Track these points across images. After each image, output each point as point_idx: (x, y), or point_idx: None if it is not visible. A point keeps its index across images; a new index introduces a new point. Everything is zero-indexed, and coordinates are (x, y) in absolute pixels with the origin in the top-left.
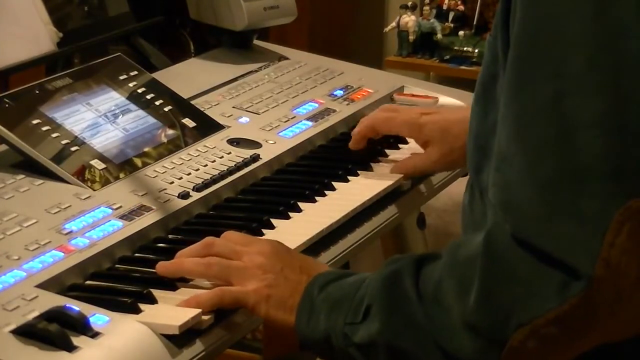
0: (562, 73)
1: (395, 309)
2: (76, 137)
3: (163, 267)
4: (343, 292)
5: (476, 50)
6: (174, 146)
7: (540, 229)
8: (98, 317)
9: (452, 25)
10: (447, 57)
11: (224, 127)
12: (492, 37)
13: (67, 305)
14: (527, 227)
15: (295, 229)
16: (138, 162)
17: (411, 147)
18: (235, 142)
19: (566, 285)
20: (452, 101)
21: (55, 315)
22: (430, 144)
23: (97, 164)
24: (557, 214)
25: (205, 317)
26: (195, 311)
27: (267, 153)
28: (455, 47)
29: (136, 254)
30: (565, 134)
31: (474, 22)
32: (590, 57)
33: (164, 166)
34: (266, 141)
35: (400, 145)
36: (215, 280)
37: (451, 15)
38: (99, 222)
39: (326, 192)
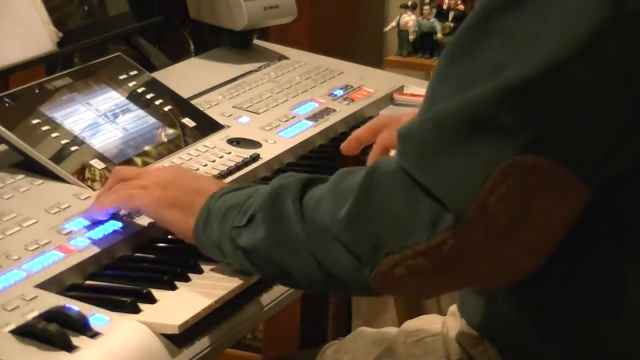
0: (474, 27)
1: (275, 221)
2: (76, 136)
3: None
4: (236, 200)
5: None
6: (174, 146)
7: (426, 163)
8: (98, 317)
9: (452, 24)
10: None
11: (224, 127)
12: None
13: (67, 305)
14: (414, 160)
15: None
16: (138, 161)
17: None
18: (235, 141)
19: (437, 221)
20: None
21: (55, 315)
22: None
23: (97, 164)
24: (447, 152)
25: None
26: (195, 310)
27: (267, 153)
28: None
29: (136, 254)
30: (469, 80)
31: None
32: (483, 14)
33: (164, 166)
34: (266, 141)
35: None
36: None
37: (451, 14)
38: (99, 222)
39: None
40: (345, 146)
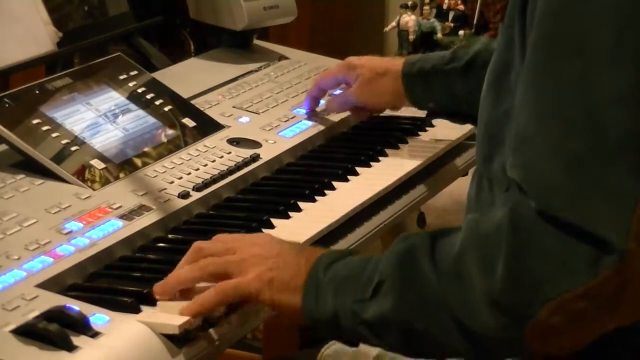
0: (588, 50)
1: (409, 285)
2: (76, 136)
3: (160, 287)
4: (349, 269)
5: None
6: (174, 146)
7: (569, 204)
8: (98, 317)
9: (452, 24)
10: None
11: (224, 127)
12: (506, 26)
13: (67, 305)
14: (556, 203)
15: (295, 228)
16: (138, 161)
17: (412, 144)
18: (235, 141)
19: (598, 260)
20: None
21: (55, 315)
22: (359, 79)
23: (97, 164)
24: (586, 189)
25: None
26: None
27: (267, 153)
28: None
29: (136, 254)
30: (592, 111)
31: (474, 22)
32: (616, 33)
33: (164, 166)
34: (266, 141)
35: (400, 145)
36: (214, 280)
37: (451, 14)
38: (99, 222)
39: (326, 191)
40: (307, 107)
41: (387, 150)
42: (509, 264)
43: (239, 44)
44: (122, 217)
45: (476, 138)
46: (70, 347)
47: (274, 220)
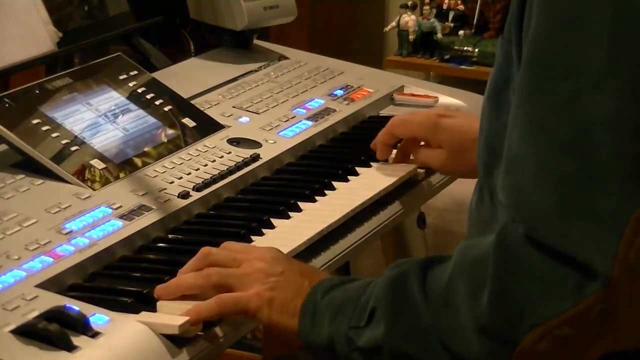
0: (579, 72)
1: (400, 312)
2: (76, 136)
3: (161, 290)
4: (347, 296)
5: (476, 50)
6: (174, 146)
7: (556, 228)
8: (98, 317)
9: (452, 24)
10: (447, 56)
11: (224, 127)
12: (505, 39)
13: (67, 305)
14: (542, 227)
15: (296, 228)
16: (138, 161)
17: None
18: (235, 141)
19: (582, 285)
20: (452, 101)
21: (55, 315)
22: (444, 146)
23: (97, 164)
24: (573, 214)
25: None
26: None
27: (267, 153)
28: (455, 47)
29: (136, 254)
30: (581, 134)
31: (474, 22)
32: (608, 57)
33: (164, 166)
34: (266, 141)
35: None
36: (217, 290)
37: (451, 14)
38: (99, 222)
39: (326, 191)
40: (380, 154)
41: None
42: (495, 287)
43: (239, 44)
44: (122, 217)
45: (477, 150)
46: (70, 347)
47: (274, 220)
